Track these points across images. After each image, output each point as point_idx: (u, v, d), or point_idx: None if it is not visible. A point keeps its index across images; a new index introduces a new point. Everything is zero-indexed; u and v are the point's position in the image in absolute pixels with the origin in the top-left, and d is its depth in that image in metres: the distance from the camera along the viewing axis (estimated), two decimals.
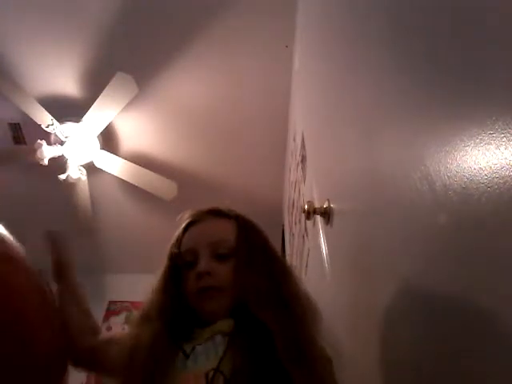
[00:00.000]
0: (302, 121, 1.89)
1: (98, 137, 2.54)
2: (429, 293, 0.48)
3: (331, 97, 1.17)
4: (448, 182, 0.42)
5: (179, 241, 0.78)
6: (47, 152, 2.23)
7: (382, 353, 0.65)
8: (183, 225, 0.80)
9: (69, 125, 2.45)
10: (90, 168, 2.59)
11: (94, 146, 2.54)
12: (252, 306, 0.68)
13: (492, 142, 0.34)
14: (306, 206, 1.12)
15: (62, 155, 2.42)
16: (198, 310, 0.72)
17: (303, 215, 1.19)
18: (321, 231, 1.17)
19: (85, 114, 2.33)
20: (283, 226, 2.83)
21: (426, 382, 0.49)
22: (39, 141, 2.22)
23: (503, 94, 0.34)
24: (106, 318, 3.48)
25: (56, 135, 2.40)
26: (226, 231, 0.77)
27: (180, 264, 0.75)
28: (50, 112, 2.28)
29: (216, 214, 0.80)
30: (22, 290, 0.69)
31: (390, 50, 0.64)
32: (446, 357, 0.43)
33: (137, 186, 2.63)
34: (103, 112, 2.29)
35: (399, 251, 0.58)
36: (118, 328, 3.39)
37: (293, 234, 2.10)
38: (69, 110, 2.50)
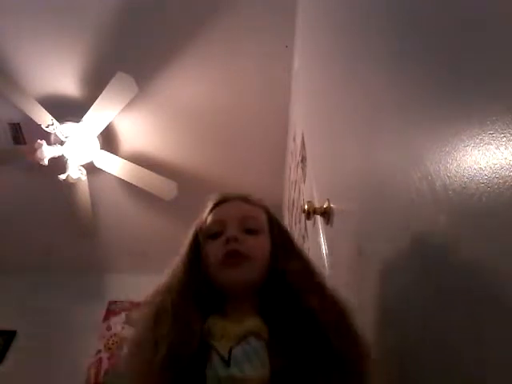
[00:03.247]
0: (302, 121, 1.89)
1: (97, 137, 2.54)
2: (429, 292, 0.48)
3: (331, 97, 1.17)
4: (448, 182, 0.42)
5: (206, 217, 0.75)
6: (47, 152, 2.23)
7: (382, 353, 0.65)
8: (211, 204, 0.77)
9: (69, 125, 2.45)
10: (90, 168, 2.59)
11: (93, 145, 2.54)
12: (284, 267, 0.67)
13: (492, 142, 0.34)
14: (306, 206, 1.12)
15: (62, 155, 2.42)
16: (221, 282, 0.66)
17: (303, 215, 1.19)
18: (321, 231, 1.17)
19: (85, 114, 2.33)
20: None
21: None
22: (39, 141, 2.22)
23: (503, 94, 0.34)
24: (106, 318, 3.47)
25: (56, 135, 2.40)
26: (256, 212, 0.75)
27: (205, 237, 0.72)
28: (50, 112, 2.28)
29: (245, 200, 0.78)
30: None
31: (390, 50, 0.64)
32: (444, 360, 0.43)
33: (137, 186, 2.63)
34: (103, 112, 2.29)
35: (399, 251, 0.58)
36: (118, 328, 3.39)
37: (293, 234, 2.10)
38: (69, 109, 2.50)
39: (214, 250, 0.68)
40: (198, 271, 0.69)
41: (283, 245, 0.73)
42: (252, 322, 0.62)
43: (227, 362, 0.56)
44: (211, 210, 0.76)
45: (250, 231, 0.70)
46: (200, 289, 0.67)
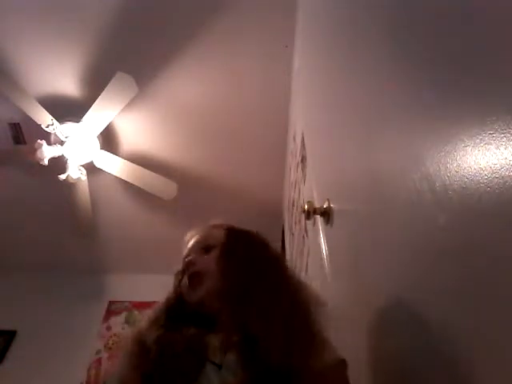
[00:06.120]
0: (301, 121, 1.89)
1: (97, 137, 2.54)
2: (429, 292, 0.48)
3: (331, 97, 1.17)
4: (448, 182, 0.42)
5: None
6: (47, 152, 2.23)
7: (382, 353, 0.65)
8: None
9: (69, 125, 2.45)
10: (90, 168, 2.59)
11: (93, 145, 2.54)
12: (223, 297, 0.70)
13: (492, 141, 0.34)
14: (306, 206, 1.12)
15: (62, 155, 2.42)
16: (193, 305, 0.74)
17: (303, 215, 1.18)
18: (321, 231, 1.16)
19: (85, 114, 2.33)
20: (283, 225, 2.82)
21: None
22: (39, 141, 2.22)
23: (503, 94, 0.34)
24: (106, 317, 3.47)
25: (56, 135, 2.40)
26: (215, 232, 0.83)
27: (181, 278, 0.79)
28: (50, 112, 2.28)
29: (211, 226, 0.86)
30: None
31: (389, 50, 0.64)
32: (444, 362, 0.43)
33: (137, 186, 2.63)
34: (103, 112, 2.29)
35: (399, 251, 0.58)
36: (118, 328, 3.39)
37: (293, 234, 2.10)
38: (69, 109, 2.50)
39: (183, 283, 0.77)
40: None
41: (249, 262, 0.76)
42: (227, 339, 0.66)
43: (220, 366, 0.62)
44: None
45: (208, 248, 0.79)
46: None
